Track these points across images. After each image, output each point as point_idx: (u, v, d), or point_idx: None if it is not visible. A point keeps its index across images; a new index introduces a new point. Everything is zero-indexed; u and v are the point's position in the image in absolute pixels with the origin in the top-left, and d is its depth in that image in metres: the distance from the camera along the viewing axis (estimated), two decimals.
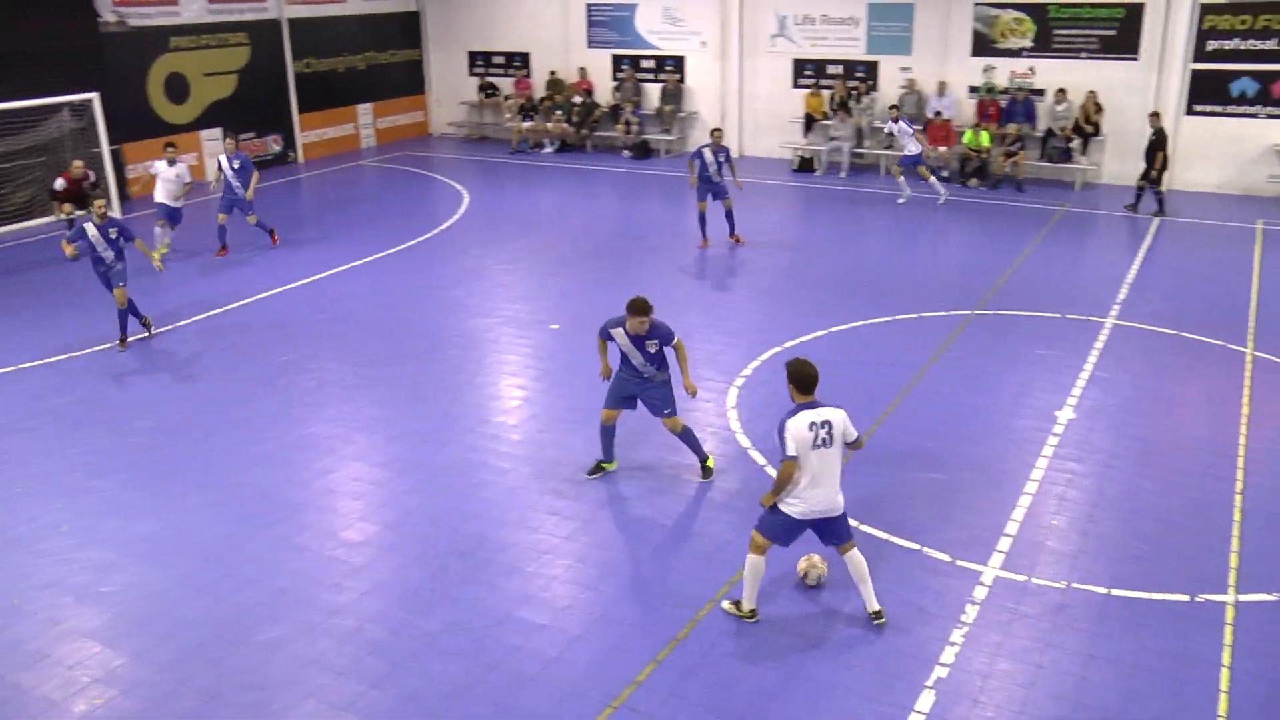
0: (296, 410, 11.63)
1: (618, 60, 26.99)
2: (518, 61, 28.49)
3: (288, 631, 7.73)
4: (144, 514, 9.47)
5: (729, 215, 17.66)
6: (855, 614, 7.80)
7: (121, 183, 21.04)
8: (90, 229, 13.37)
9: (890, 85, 23.88)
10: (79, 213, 18.00)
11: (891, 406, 11.34)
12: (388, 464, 10.34)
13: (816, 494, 7.43)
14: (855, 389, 11.71)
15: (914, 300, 14.67)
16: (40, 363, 13.15)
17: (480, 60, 29.14)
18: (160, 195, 17.46)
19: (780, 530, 7.63)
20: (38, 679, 7.34)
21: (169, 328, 14.35)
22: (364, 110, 28.37)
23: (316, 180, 24.65)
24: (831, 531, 7.67)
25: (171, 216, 17.59)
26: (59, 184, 18.16)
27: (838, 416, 7.52)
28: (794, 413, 7.40)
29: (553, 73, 27.53)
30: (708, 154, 17.24)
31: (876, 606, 7.71)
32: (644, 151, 25.91)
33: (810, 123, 24.48)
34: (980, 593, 8.05)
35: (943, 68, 23.19)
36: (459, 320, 14.45)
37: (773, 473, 9.74)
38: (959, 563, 8.44)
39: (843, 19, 24.09)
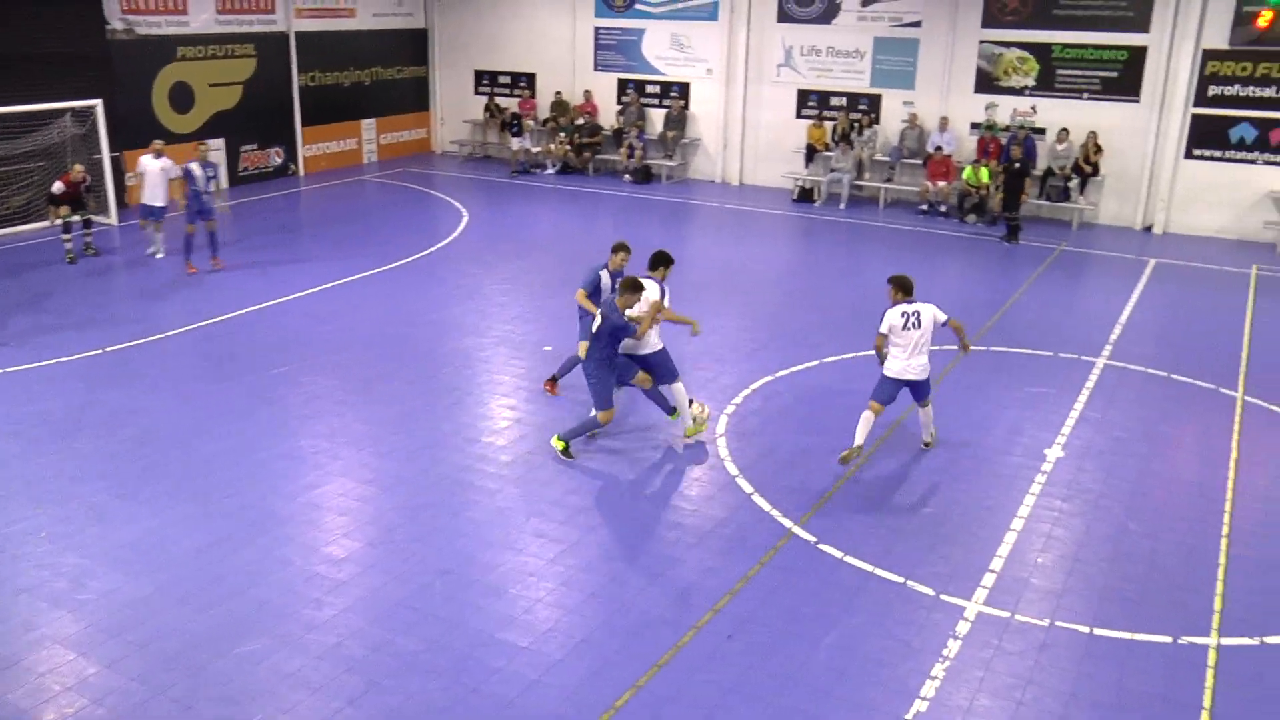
0: (286, 423, 11.60)
1: (623, 84, 27.12)
2: (523, 82, 28.62)
3: (267, 645, 7.69)
4: (125, 522, 9.43)
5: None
6: (836, 644, 7.77)
7: (120, 189, 21.03)
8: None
9: (893, 119, 24.01)
10: (74, 217, 17.97)
11: (882, 439, 11.34)
12: (375, 480, 10.32)
13: (909, 363, 10.41)
14: (846, 419, 11.70)
15: None
16: (29, 367, 13.13)
17: (486, 79, 29.26)
18: (146, 195, 17.60)
19: (883, 389, 10.56)
20: (6, 686, 7.27)
21: (161, 335, 14.34)
22: (368, 125, 28.46)
23: (317, 194, 24.69)
24: (917, 391, 10.71)
25: (156, 215, 17.75)
26: (57, 187, 18.17)
27: (927, 309, 10.52)
28: (893, 306, 10.50)
29: (558, 94, 27.64)
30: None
31: (927, 439, 11.09)
32: (645, 176, 25.99)
33: (812, 153, 24.59)
34: (963, 628, 8.03)
35: (945, 103, 23.32)
36: (454, 339, 14.45)
37: (759, 500, 9.90)
38: (943, 597, 8.42)
39: (848, 52, 24.24)
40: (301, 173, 26.60)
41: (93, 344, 13.93)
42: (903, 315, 10.38)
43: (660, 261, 11.34)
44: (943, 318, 10.53)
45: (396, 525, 9.44)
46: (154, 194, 17.64)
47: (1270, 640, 7.98)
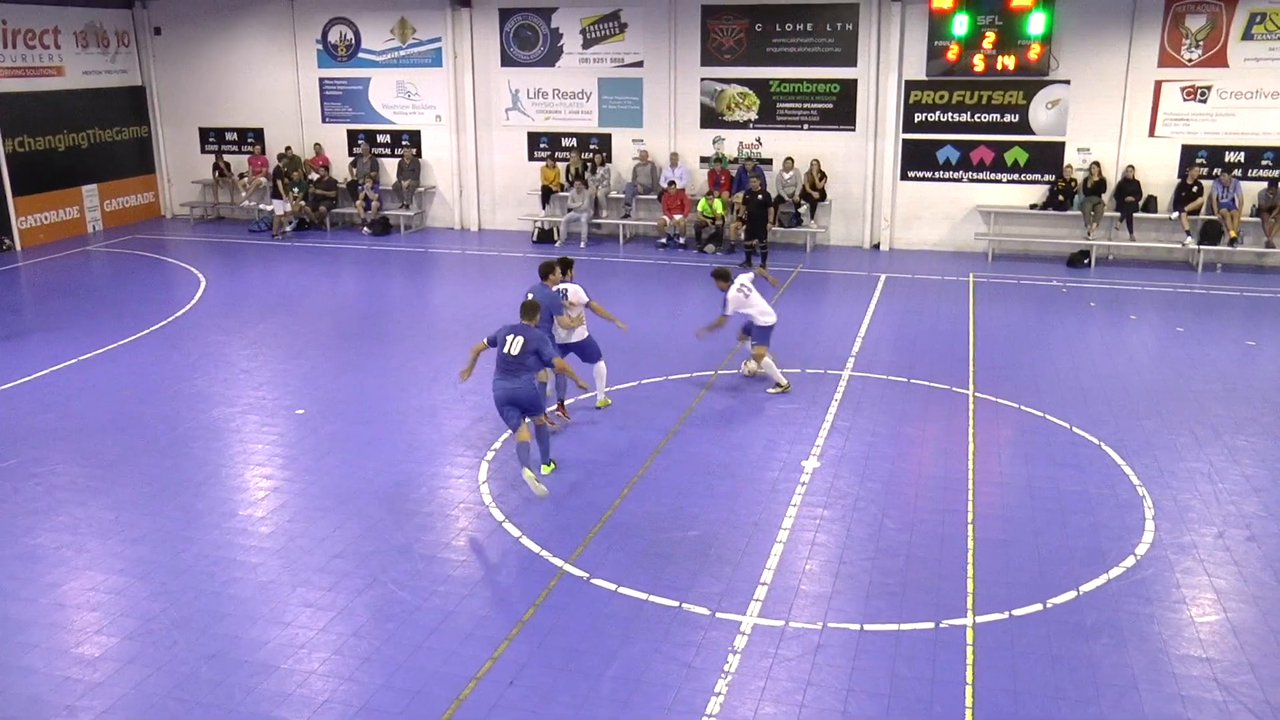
0: (20, 520, 10.69)
1: (353, 135, 26.69)
2: (251, 138, 27.71)
3: None
4: None
5: None
6: (618, 675, 7.84)
7: None
8: None
9: (625, 156, 24.63)
10: None
11: (644, 467, 11.55)
12: (127, 569, 9.66)
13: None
14: (606, 454, 11.89)
15: (658, 364, 15.05)
16: None
17: (213, 137, 28.16)
18: None
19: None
20: None
21: None
22: (89, 191, 26.69)
23: (38, 269, 23.01)
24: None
25: None
26: None
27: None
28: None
29: (287, 148, 26.87)
30: None
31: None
32: (384, 228, 25.63)
33: (548, 194, 24.89)
34: (740, 641, 8.25)
35: (674, 139, 24.14)
36: (200, 411, 13.76)
37: (527, 542, 9.87)
38: (718, 615, 8.63)
39: (575, 93, 24.74)
40: (18, 247, 24.66)
41: None
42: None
43: (567, 265, 13.13)
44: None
45: (154, 614, 8.86)
46: None
47: (1018, 613, 8.62)
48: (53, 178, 25.62)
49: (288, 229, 25.65)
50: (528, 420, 11.06)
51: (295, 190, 25.80)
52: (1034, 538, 9.93)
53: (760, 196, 21.19)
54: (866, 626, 8.45)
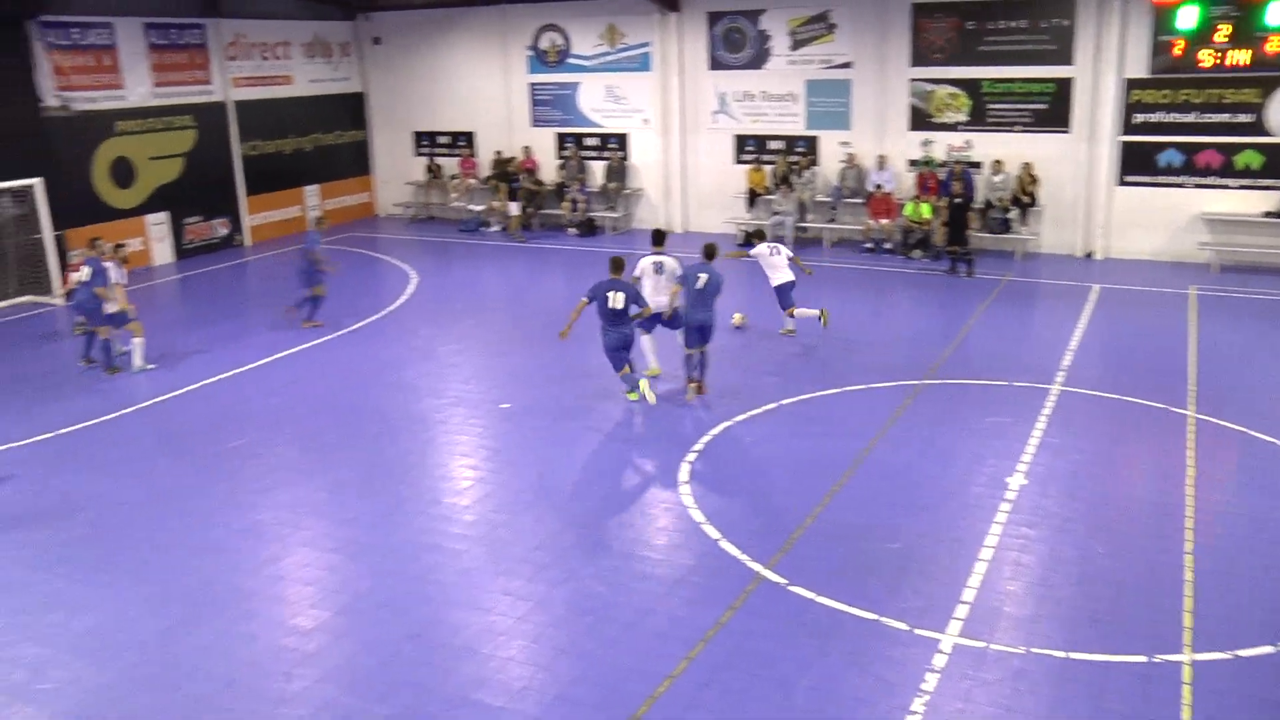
0: (245, 496, 11.42)
1: (561, 138, 27.31)
2: (462, 141, 28.72)
3: None
4: (84, 608, 9.20)
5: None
6: (813, 686, 7.74)
7: (64, 269, 20.70)
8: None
9: (831, 159, 24.35)
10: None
11: (845, 477, 11.37)
12: (339, 548, 10.17)
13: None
14: (808, 461, 11.77)
15: (862, 372, 14.80)
16: None
17: (425, 140, 29.34)
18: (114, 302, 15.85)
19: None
20: None
21: (113, 415, 14.10)
22: (311, 191, 28.36)
23: (264, 263, 24.53)
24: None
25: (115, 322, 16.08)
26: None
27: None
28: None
29: (498, 152, 27.75)
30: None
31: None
32: (590, 229, 26.11)
33: (753, 197, 24.85)
34: (940, 660, 8.03)
35: (882, 141, 23.70)
36: (410, 401, 14.34)
37: (726, 545, 9.82)
38: (917, 631, 8.41)
39: (782, 95, 24.60)
40: (248, 242, 26.42)
41: (41, 429, 13.65)
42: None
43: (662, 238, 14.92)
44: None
45: (363, 592, 9.30)
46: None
47: (1244, 653, 8.06)
48: (279, 178, 27.37)
49: (515, 230, 26.17)
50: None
51: (504, 185, 26.51)
52: (1262, 574, 9.27)
53: (959, 200, 20.59)
54: (1072, 654, 8.07)
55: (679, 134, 25.82)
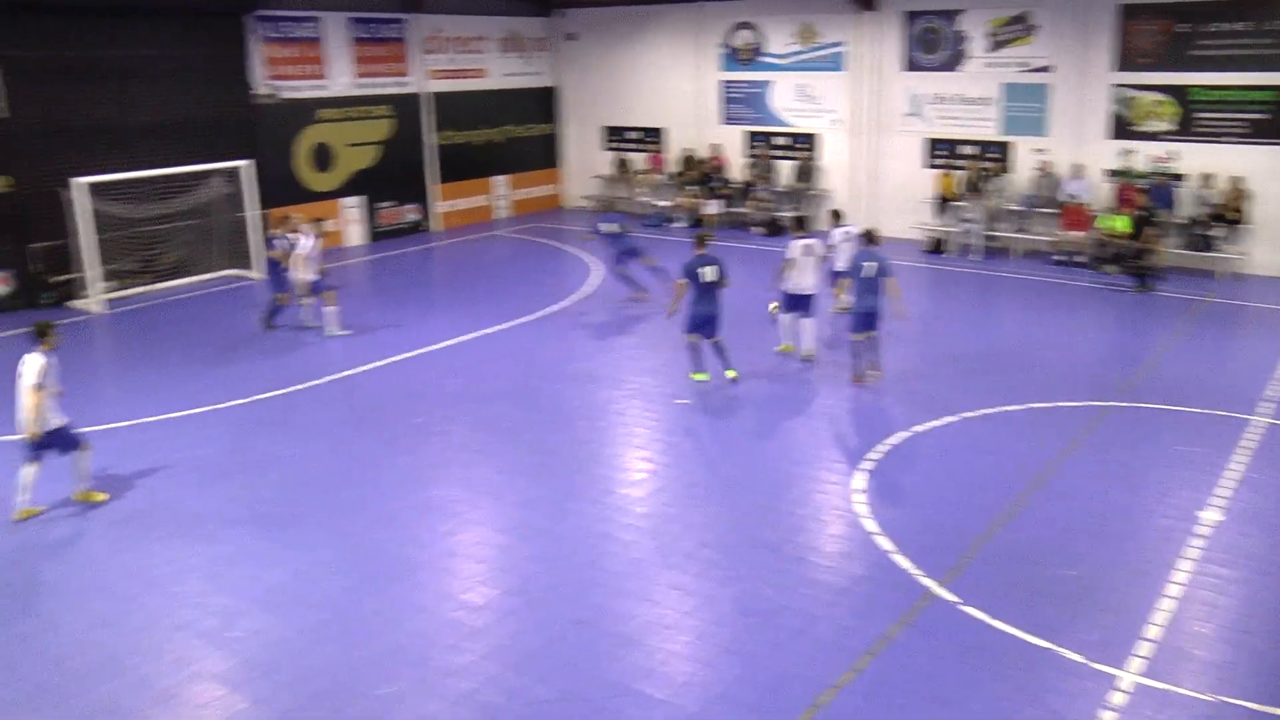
0: (424, 472, 11.81)
1: (751, 137, 27.24)
2: (651, 137, 28.96)
3: (405, 688, 7.80)
4: (272, 564, 9.70)
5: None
6: (983, 711, 7.49)
7: (267, 245, 21.80)
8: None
9: (1025, 167, 23.55)
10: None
11: (1024, 497, 10.97)
12: (511, 529, 10.40)
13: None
14: (986, 477, 11.41)
15: (1047, 389, 14.25)
16: (185, 413, 13.68)
17: (615, 135, 29.71)
18: (309, 272, 17.11)
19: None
20: (165, 718, 7.55)
21: (305, 385, 14.78)
22: (499, 182, 29.15)
23: (450, 249, 25.30)
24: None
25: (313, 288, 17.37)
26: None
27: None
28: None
29: (686, 149, 27.88)
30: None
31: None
32: (775, 229, 25.94)
33: (942, 203, 24.26)
34: (1118, 699, 7.64)
35: (1079, 150, 22.77)
36: (588, 391, 14.55)
37: (898, 558, 9.62)
38: (1095, 665, 8.03)
39: (976, 99, 23.92)
40: (436, 228, 27.32)
41: (241, 393, 14.44)
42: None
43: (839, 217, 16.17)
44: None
45: (532, 574, 9.48)
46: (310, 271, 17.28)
47: None
48: (470, 168, 28.24)
49: (671, 222, 26.37)
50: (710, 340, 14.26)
51: (690, 189, 26.62)
52: None
53: (1141, 214, 19.54)
54: (1269, 709, 7.53)
55: (869, 135, 25.43)
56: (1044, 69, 22.98)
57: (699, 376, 14.45)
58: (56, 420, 10.62)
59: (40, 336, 10.64)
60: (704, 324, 14.19)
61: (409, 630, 8.59)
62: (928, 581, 9.23)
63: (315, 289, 17.12)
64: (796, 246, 15.18)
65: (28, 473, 10.64)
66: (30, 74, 19.22)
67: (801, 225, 16.09)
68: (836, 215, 16.47)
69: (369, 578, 9.44)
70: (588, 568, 9.57)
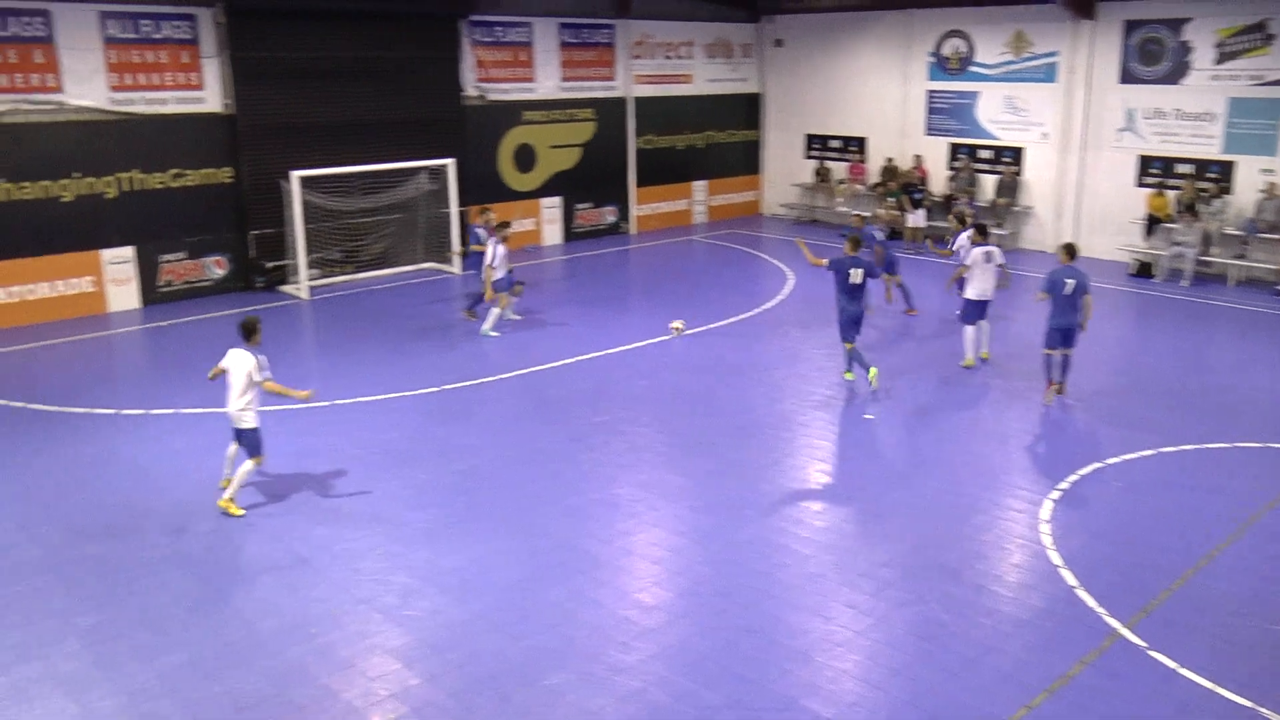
0: (606, 470, 12.00)
1: (955, 149, 26.58)
2: (854, 146, 28.62)
3: (572, 680, 7.94)
4: (451, 549, 10.05)
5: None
6: None
7: (463, 241, 22.56)
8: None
9: (1248, 188, 22.13)
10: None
11: (1226, 542, 10.31)
12: (689, 532, 10.45)
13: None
14: (1183, 518, 10.80)
15: (1259, 428, 13.34)
16: (374, 398, 14.31)
17: (816, 143, 29.48)
18: (502, 270, 17.53)
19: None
20: (343, 685, 7.95)
21: (491, 378, 15.23)
22: (699, 187, 29.32)
23: (647, 252, 25.61)
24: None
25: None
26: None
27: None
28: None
29: (889, 159, 27.44)
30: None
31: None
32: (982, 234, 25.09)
33: (1151, 224, 23.05)
34: None
35: None
36: (774, 400, 14.48)
37: (1083, 594, 9.21)
38: None
39: (1198, 114, 22.62)
40: (632, 231, 27.71)
41: (430, 382, 15.00)
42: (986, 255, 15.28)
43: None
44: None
45: (706, 579, 9.51)
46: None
47: None
48: (670, 173, 28.50)
49: (927, 242, 25.28)
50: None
51: (890, 200, 26.13)
52: None
53: None
54: None
55: (1078, 151, 24.41)
56: (1276, 83, 21.55)
57: (851, 375, 15.14)
58: (254, 420, 10.88)
59: (250, 334, 10.93)
60: (853, 325, 14.64)
61: (580, 624, 8.75)
62: (1113, 621, 8.79)
63: (497, 288, 17.60)
64: (977, 254, 15.46)
65: (234, 450, 11.27)
66: (257, 74, 20.46)
67: (982, 233, 16.02)
68: (983, 230, 16.16)
69: (545, 569, 9.66)
70: (762, 577, 9.53)
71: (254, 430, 10.92)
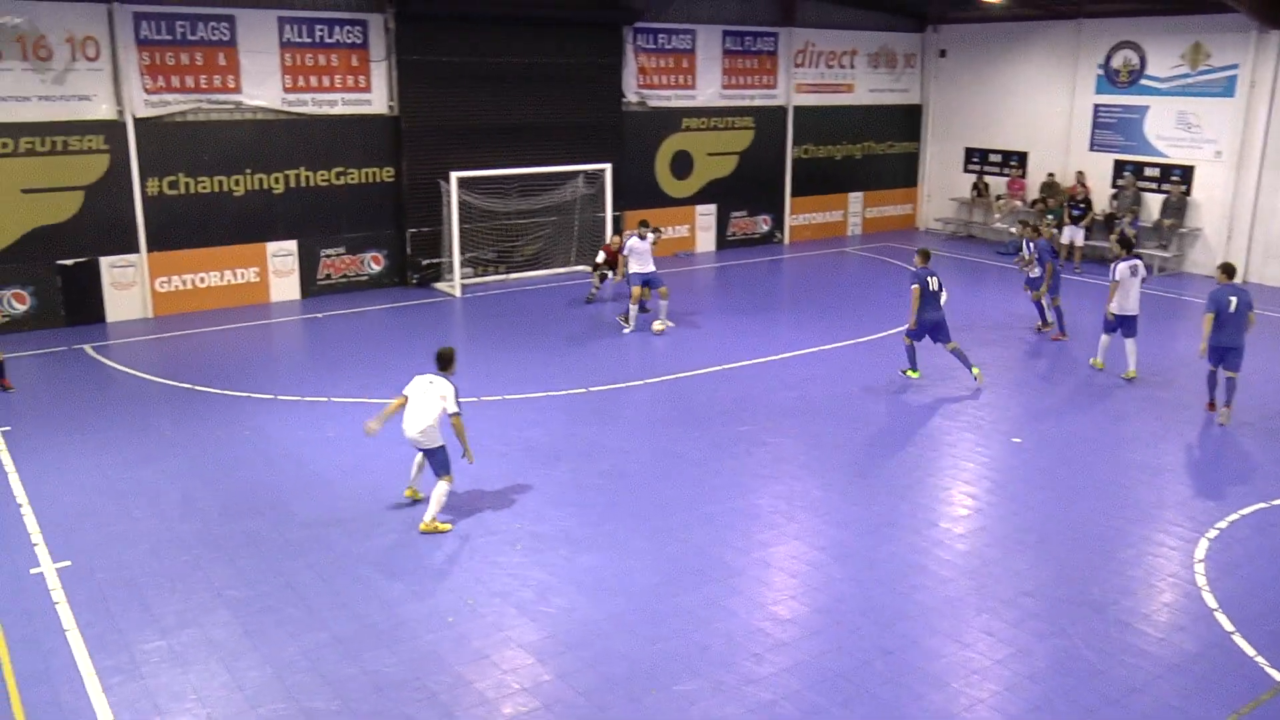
0: (747, 480, 12.00)
1: (1119, 166, 25.60)
2: (1014, 160, 27.88)
3: (703, 688, 7.97)
4: (589, 548, 10.21)
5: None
6: None
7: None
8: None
9: None
10: (610, 274, 19.88)
11: None
12: (827, 548, 10.37)
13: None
14: None
15: None
16: (520, 397, 14.64)
17: (976, 157, 28.83)
18: (635, 266, 18.28)
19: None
20: (477, 675, 8.16)
21: (638, 382, 15.39)
22: (854, 198, 29.02)
23: (799, 262, 25.49)
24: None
25: (649, 282, 18.36)
26: (600, 257, 20.18)
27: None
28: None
29: (1050, 175, 26.63)
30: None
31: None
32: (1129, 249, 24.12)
33: None
34: None
35: None
36: (917, 419, 14.26)
37: (1240, 640, 8.81)
38: None
39: None
40: (786, 241, 27.59)
41: (577, 383, 15.24)
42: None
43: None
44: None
45: (844, 596, 9.43)
46: (640, 265, 18.32)
47: None
48: (825, 183, 28.28)
49: (1078, 265, 24.72)
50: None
51: (1050, 218, 25.33)
52: None
53: None
54: None
55: (1257, 171, 23.15)
56: None
57: (912, 374, 15.88)
58: (438, 438, 10.71)
59: (446, 363, 10.80)
60: (929, 328, 15.45)
61: (714, 632, 8.77)
62: (1273, 672, 8.36)
63: (631, 281, 18.12)
64: (1123, 268, 15.57)
65: (421, 458, 11.11)
66: (421, 77, 21.14)
67: (1127, 246, 16.11)
68: (1127, 244, 16.22)
69: (680, 574, 9.73)
70: (900, 598, 9.40)
71: (441, 448, 10.70)
